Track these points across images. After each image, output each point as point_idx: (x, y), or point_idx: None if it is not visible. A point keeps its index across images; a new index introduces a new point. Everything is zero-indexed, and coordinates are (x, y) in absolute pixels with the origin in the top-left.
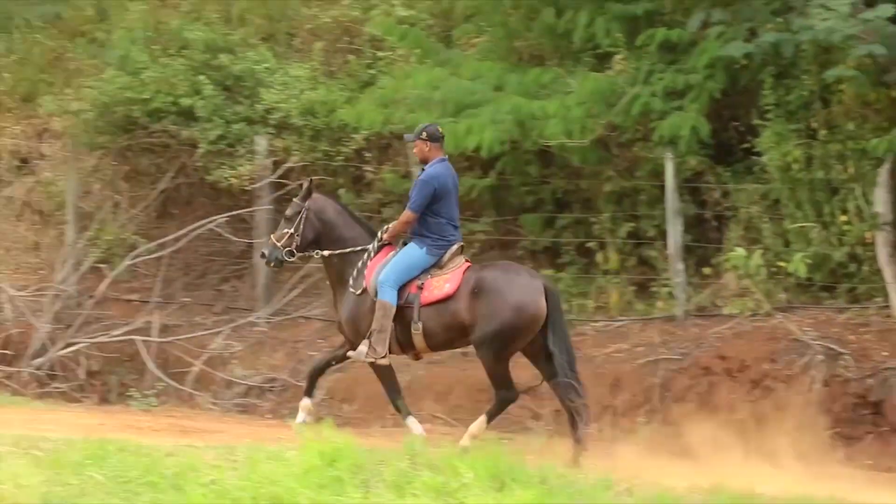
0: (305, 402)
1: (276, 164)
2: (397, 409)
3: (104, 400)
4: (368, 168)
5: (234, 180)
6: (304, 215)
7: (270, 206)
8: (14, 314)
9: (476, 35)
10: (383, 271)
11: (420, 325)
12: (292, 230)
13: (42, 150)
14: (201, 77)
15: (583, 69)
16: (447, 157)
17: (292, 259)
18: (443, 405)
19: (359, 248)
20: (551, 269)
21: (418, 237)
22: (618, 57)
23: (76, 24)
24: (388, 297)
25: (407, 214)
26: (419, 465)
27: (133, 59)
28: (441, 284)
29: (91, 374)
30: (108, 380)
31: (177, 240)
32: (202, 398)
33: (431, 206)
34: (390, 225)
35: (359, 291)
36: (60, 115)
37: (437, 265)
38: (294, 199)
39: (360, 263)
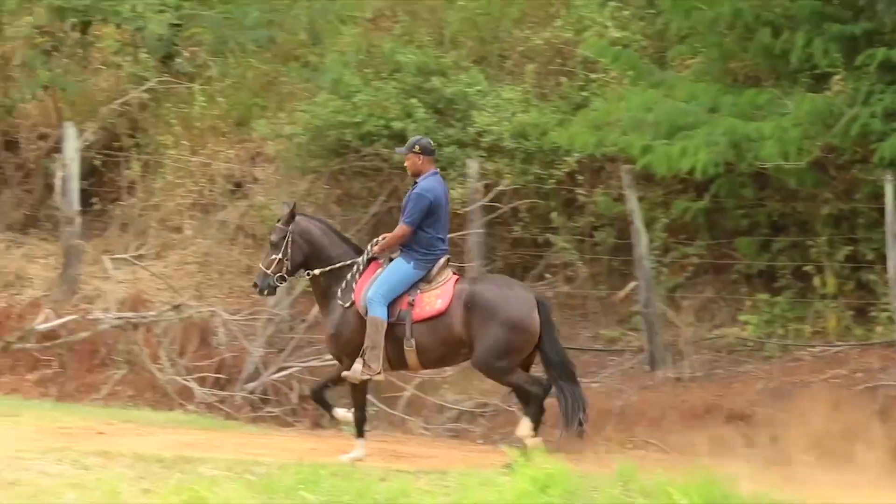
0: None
1: (488, 188)
2: (356, 420)
3: (316, 424)
4: (580, 191)
5: None
6: (289, 239)
7: (482, 230)
8: (227, 338)
9: (690, 56)
10: (371, 287)
11: (413, 341)
12: (280, 255)
13: (255, 174)
14: (413, 100)
15: (800, 90)
16: (439, 170)
17: (284, 284)
18: (656, 431)
19: (347, 262)
20: (767, 294)
21: (406, 252)
22: (836, 77)
23: (289, 48)
24: (379, 313)
25: (402, 228)
26: (632, 492)
27: (345, 82)
28: (432, 300)
29: (303, 398)
30: None
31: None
32: (413, 423)
33: (423, 219)
34: (380, 239)
35: (347, 304)
36: (273, 138)
37: (426, 279)
38: (277, 224)
39: (349, 276)
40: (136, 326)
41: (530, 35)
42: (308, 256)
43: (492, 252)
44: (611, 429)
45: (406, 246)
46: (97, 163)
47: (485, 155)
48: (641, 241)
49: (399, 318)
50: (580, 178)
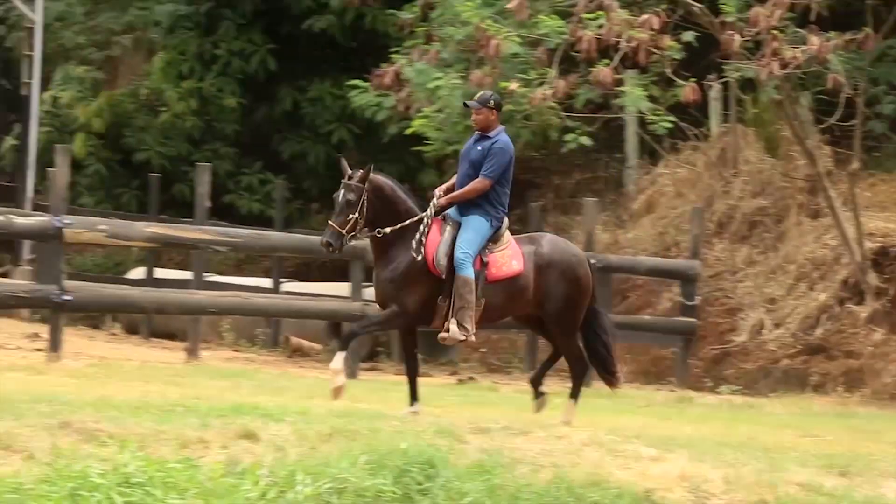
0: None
1: None
2: (346, 337)
3: None
4: None
5: None
6: (366, 198)
7: None
8: None
9: None
10: (461, 247)
11: (483, 301)
12: (357, 215)
13: None
14: None
15: None
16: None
17: (351, 243)
18: None
19: (415, 218)
20: None
21: (482, 208)
22: None
23: None
24: (469, 273)
25: (483, 182)
26: None
27: None
28: (507, 261)
29: None
30: None
31: None
32: None
33: (502, 175)
34: (441, 191)
35: (419, 257)
36: None
37: (492, 238)
38: (352, 183)
39: (422, 228)
40: None
41: None
42: (378, 214)
43: None
44: None
45: (482, 203)
46: None
47: None
48: None
49: None
50: None
